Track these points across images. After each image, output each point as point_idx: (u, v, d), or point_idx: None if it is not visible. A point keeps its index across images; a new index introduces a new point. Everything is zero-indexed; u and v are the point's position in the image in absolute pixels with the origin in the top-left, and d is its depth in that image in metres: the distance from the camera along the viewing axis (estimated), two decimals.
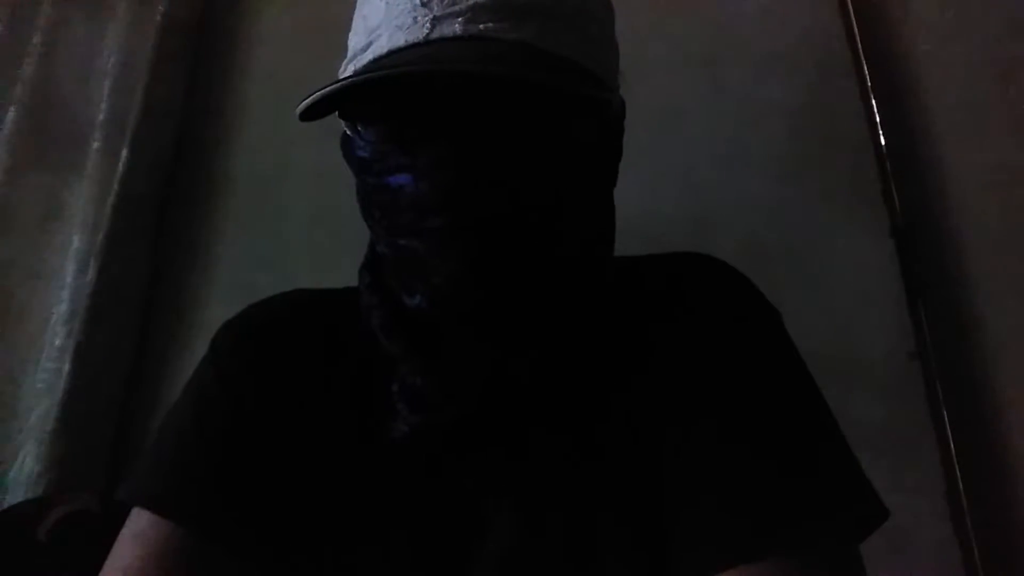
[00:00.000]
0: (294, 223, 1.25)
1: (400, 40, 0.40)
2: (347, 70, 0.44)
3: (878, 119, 1.03)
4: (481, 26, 0.39)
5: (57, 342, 1.17)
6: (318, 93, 0.38)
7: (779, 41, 1.08)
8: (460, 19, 0.39)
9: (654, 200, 1.02)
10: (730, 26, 1.12)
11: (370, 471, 0.47)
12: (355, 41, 0.44)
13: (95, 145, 1.27)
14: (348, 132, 0.46)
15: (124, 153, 1.23)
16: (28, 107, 1.32)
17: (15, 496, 1.08)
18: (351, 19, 0.46)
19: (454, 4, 0.39)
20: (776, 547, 0.38)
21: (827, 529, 0.39)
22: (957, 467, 0.88)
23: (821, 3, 1.08)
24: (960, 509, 0.87)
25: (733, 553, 0.38)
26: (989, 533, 0.86)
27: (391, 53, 0.40)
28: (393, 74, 0.36)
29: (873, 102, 1.04)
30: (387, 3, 0.41)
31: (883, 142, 1.02)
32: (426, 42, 0.39)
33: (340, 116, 0.46)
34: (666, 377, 0.46)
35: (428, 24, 0.39)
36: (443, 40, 0.39)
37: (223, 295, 1.24)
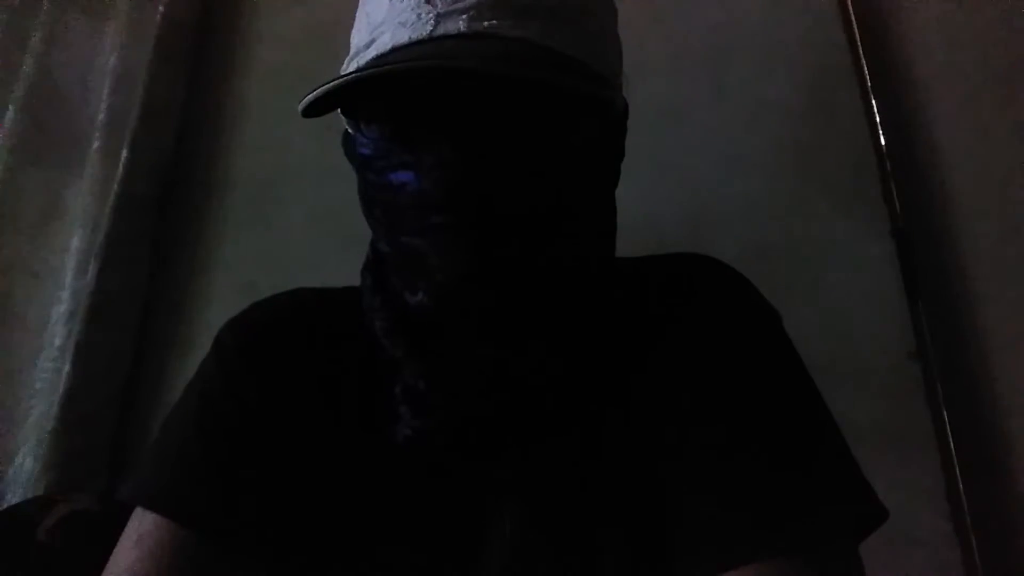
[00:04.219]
0: (294, 223, 1.25)
1: (403, 37, 0.39)
2: (350, 66, 0.44)
3: (878, 119, 1.03)
4: (485, 23, 0.39)
5: (57, 342, 1.17)
6: (321, 89, 0.38)
7: (779, 41, 1.08)
8: (464, 16, 0.39)
9: (654, 200, 1.02)
10: (730, 26, 1.12)
11: (373, 471, 0.47)
12: (358, 38, 0.44)
13: (95, 145, 1.26)
14: (350, 130, 0.46)
15: (124, 153, 1.23)
16: (28, 107, 1.32)
17: (15, 496, 1.07)
18: (352, 18, 0.46)
19: (458, 1, 0.39)
20: (776, 548, 0.38)
21: (826, 530, 0.39)
22: (957, 467, 0.88)
23: (821, 3, 1.08)
24: (960, 509, 0.87)
25: (734, 554, 0.38)
26: (989, 533, 0.86)
27: (394, 50, 0.40)
28: (397, 70, 0.36)
29: (873, 102, 1.04)
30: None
31: (883, 142, 1.02)
32: (430, 39, 0.39)
33: (342, 113, 0.46)
34: (666, 378, 0.46)
35: (432, 21, 0.39)
36: (447, 37, 0.39)
37: (223, 295, 1.24)
